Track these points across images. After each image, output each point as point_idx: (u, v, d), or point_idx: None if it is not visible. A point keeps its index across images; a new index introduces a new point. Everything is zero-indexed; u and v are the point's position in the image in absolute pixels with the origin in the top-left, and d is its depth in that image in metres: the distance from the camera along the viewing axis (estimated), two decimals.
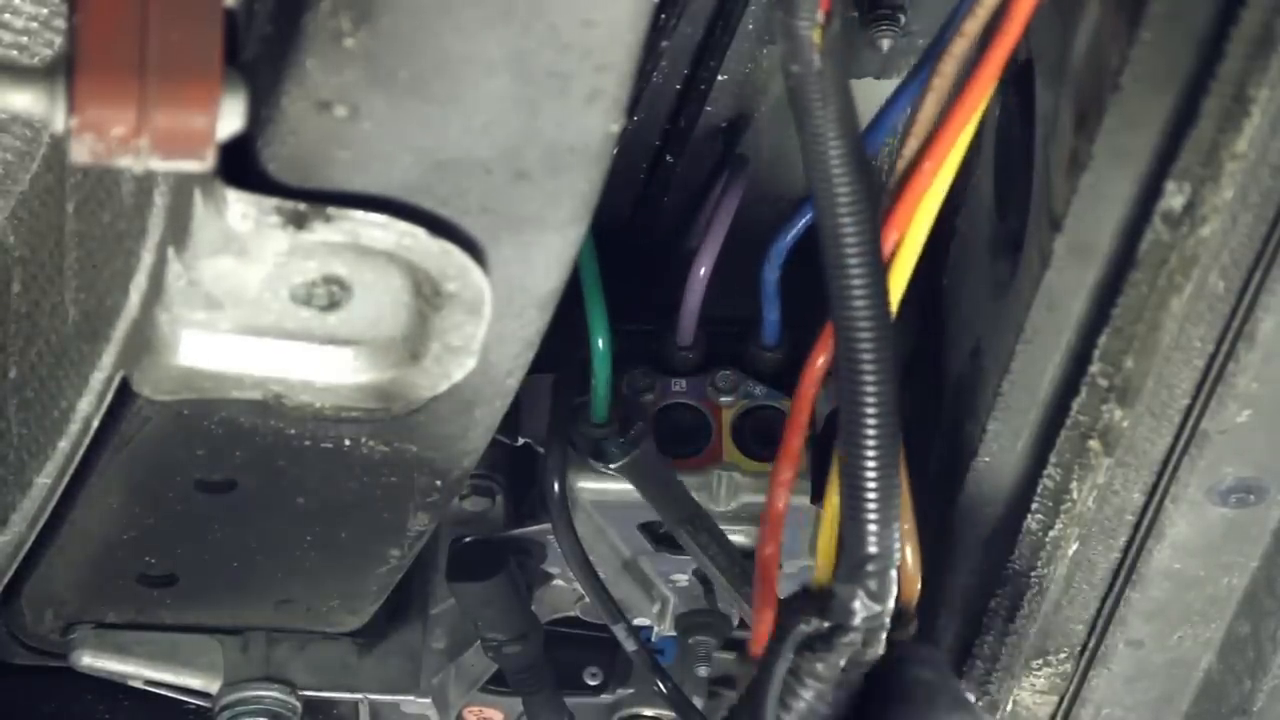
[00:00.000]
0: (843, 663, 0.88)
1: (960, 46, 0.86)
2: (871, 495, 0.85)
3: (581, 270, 1.07)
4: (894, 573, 0.87)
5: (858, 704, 0.89)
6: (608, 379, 1.12)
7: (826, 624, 0.88)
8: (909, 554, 0.92)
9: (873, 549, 0.86)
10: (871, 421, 0.84)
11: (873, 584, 0.86)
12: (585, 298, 1.08)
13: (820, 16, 0.79)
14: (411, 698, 1.24)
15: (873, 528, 0.85)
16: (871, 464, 0.85)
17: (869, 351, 0.84)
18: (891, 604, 0.87)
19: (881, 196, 0.87)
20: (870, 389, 0.84)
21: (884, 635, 0.88)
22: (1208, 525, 0.95)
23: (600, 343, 1.10)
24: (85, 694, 1.26)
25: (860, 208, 0.82)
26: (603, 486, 1.14)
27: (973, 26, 0.85)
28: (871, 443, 0.85)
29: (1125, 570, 0.99)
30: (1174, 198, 0.83)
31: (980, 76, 0.85)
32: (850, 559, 0.86)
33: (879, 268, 0.84)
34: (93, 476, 0.99)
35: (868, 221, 0.83)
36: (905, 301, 0.89)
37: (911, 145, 0.88)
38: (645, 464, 1.12)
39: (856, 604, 0.87)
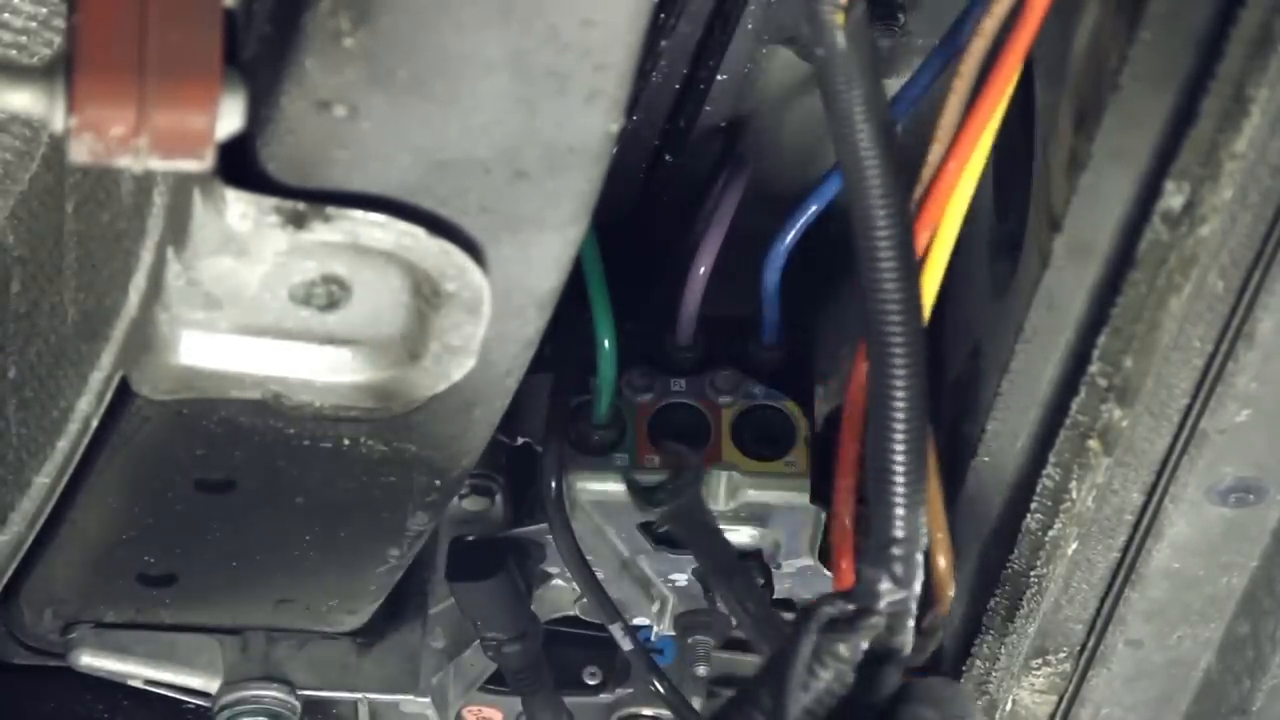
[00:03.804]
0: (865, 645, 0.87)
1: (979, 46, 0.86)
2: (899, 478, 0.84)
3: (586, 271, 1.07)
4: (920, 558, 0.86)
5: None
6: (613, 380, 1.11)
7: (851, 606, 0.87)
8: (941, 562, 0.91)
9: (899, 532, 0.84)
10: (900, 404, 0.83)
11: (898, 568, 0.85)
12: (591, 298, 1.08)
13: None
14: (410, 697, 1.24)
15: (900, 511, 0.84)
16: (899, 445, 0.84)
17: (898, 332, 0.83)
18: (918, 589, 0.86)
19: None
20: (899, 369, 0.83)
21: (910, 623, 0.87)
22: (1207, 525, 0.95)
23: (606, 343, 1.09)
24: (84, 693, 1.25)
25: (891, 190, 0.82)
26: (601, 487, 1.14)
27: (991, 25, 0.85)
28: (900, 424, 0.83)
29: (1124, 570, 0.99)
30: (1173, 197, 0.83)
31: (1000, 73, 0.85)
32: (876, 542, 0.85)
33: (910, 250, 0.83)
34: (92, 476, 0.99)
35: (899, 203, 0.82)
36: None
37: (936, 150, 0.88)
38: (691, 511, 1.11)
39: (882, 586, 0.86)
